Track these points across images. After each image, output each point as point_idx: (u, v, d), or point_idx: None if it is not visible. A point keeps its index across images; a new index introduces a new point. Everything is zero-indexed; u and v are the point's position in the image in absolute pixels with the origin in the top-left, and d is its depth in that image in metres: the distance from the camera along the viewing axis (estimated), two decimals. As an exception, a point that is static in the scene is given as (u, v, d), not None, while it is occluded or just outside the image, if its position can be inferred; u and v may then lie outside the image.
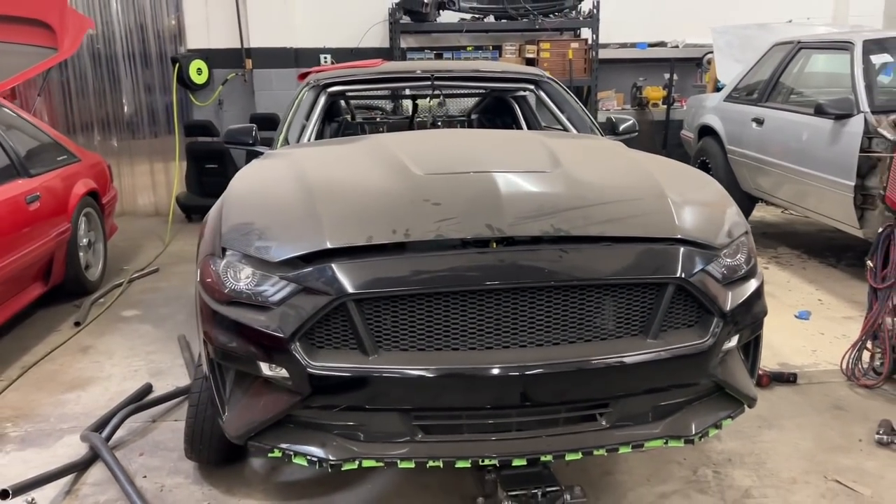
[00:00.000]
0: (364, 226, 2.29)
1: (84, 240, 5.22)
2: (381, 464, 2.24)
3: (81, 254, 5.13)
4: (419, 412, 2.24)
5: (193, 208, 7.78)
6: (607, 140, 3.63)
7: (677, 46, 8.27)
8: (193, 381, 2.86)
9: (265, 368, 2.27)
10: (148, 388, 3.71)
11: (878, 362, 3.66)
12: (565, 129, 4.05)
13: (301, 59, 8.04)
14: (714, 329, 2.30)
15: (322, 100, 4.04)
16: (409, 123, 5.22)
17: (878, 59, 4.71)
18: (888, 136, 4.29)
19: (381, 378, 2.15)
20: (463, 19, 7.77)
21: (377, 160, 2.84)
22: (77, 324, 4.67)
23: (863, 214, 4.54)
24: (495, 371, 2.14)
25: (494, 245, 2.24)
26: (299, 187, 2.59)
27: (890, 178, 3.65)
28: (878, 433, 3.16)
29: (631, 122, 4.05)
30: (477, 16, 7.74)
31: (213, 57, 7.92)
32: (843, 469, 2.95)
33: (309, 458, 2.25)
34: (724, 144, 6.08)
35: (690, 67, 8.37)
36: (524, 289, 2.19)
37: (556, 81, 4.30)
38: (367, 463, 2.23)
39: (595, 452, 2.27)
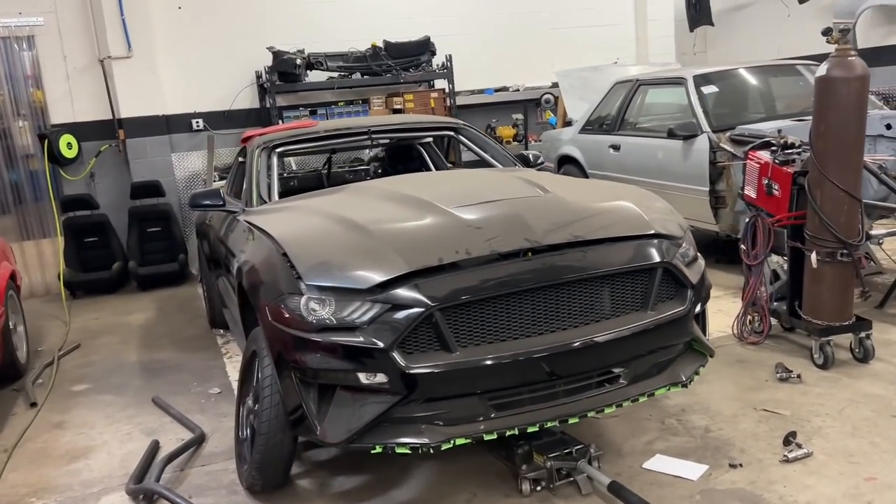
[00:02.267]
0: (428, 250, 2.84)
1: (10, 322, 5.15)
2: (469, 440, 2.76)
3: (14, 337, 5.07)
4: (491, 393, 2.80)
5: (77, 284, 7.62)
6: (543, 171, 4.39)
7: (518, 90, 9.37)
8: (255, 416, 3.14)
9: (363, 378, 2.73)
10: (156, 445, 3.89)
11: (757, 324, 4.67)
12: (491, 166, 4.76)
13: (173, 125, 8.21)
14: (690, 298, 3.08)
15: (274, 159, 4.46)
16: (328, 175, 5.75)
17: (706, 90, 5.91)
18: (729, 149, 5.44)
19: (467, 369, 2.69)
20: (331, 78, 8.34)
21: (398, 201, 3.38)
22: (33, 404, 4.65)
23: (717, 213, 5.67)
24: (549, 350, 2.76)
25: (530, 254, 2.87)
26: (349, 228, 3.07)
27: (744, 181, 4.72)
28: (777, 373, 4.11)
29: (540, 155, 4.88)
30: (344, 74, 8.35)
31: (80, 130, 7.87)
32: (764, 401, 3.84)
33: (410, 446, 2.72)
34: (584, 169, 7.12)
35: (531, 107, 9.51)
36: (561, 283, 2.84)
37: (471, 127, 5.03)
38: (459, 441, 2.74)
39: (623, 404, 2.95)
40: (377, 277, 2.75)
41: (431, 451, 2.74)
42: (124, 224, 7.97)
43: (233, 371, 4.97)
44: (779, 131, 5.24)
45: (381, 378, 2.72)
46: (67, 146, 7.75)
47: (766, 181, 4.46)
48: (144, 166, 8.04)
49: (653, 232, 3.09)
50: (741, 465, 3.24)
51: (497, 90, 9.33)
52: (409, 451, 2.74)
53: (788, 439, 3.34)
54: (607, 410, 2.94)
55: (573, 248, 2.92)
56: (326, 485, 3.40)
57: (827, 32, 4.04)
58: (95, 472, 3.72)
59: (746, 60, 6.84)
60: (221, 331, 5.87)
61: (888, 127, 5.41)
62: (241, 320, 3.72)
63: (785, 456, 3.25)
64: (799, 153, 4.38)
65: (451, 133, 4.97)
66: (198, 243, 5.97)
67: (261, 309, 3.02)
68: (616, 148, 6.62)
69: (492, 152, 4.82)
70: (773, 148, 4.52)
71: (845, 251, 4.06)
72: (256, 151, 4.45)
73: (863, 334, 4.21)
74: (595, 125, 7.12)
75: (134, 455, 3.83)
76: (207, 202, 4.25)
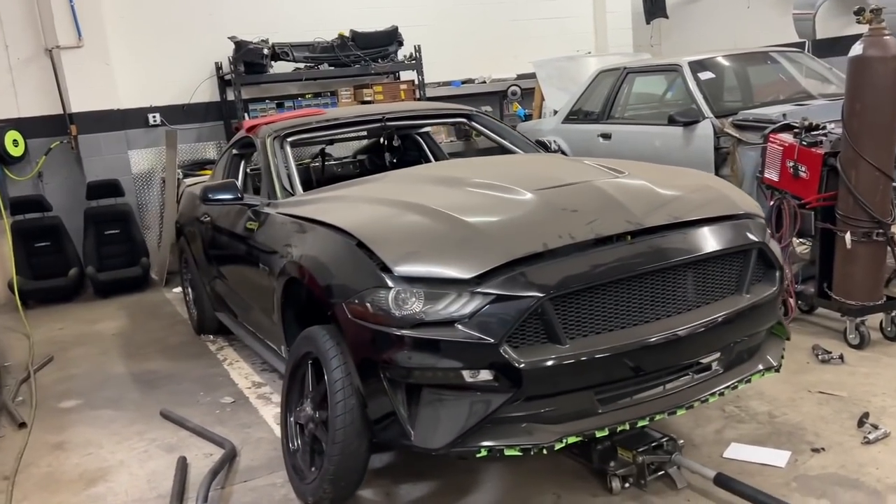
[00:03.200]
0: (528, 236, 2.63)
1: (-19, 336, 4.65)
2: (581, 438, 2.58)
3: (-12, 351, 4.58)
4: (598, 387, 2.62)
5: (29, 293, 7.01)
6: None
7: (485, 82, 9.23)
8: (332, 423, 2.83)
9: (467, 376, 2.50)
10: (184, 462, 3.54)
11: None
12: (511, 151, 4.57)
13: (128, 120, 7.69)
14: (779, 278, 2.98)
15: (288, 149, 4.15)
16: (322, 168, 5.46)
17: (703, 76, 5.90)
18: (734, 134, 5.43)
19: (580, 362, 2.50)
20: (298, 69, 7.98)
21: (471, 186, 3.15)
22: (22, 424, 4.18)
23: (721, 198, 5.66)
24: (661, 339, 2.60)
25: (629, 237, 2.71)
26: (429, 215, 2.82)
27: (764, 164, 4.71)
28: (817, 355, 4.09)
29: (553, 143, 4.74)
30: (310, 65, 8.00)
31: (26, 126, 7.27)
32: (815, 383, 3.81)
33: (521, 447, 2.51)
34: (570, 160, 7.03)
35: (498, 100, 9.39)
36: (666, 267, 2.68)
37: (484, 113, 4.84)
38: (571, 439, 2.55)
39: (725, 393, 2.83)
40: (480, 266, 2.52)
41: (545, 452, 2.54)
42: (78, 227, 7.39)
43: (239, 378, 4.63)
44: (784, 115, 5.29)
45: (485, 375, 2.50)
46: (13, 143, 7.13)
47: (792, 164, 4.44)
48: (98, 164, 7.48)
49: (744, 212, 2.98)
50: (823, 450, 3.17)
51: (464, 82, 9.16)
52: (519, 454, 2.53)
53: (862, 420, 3.30)
54: (711, 399, 2.81)
55: (673, 229, 2.77)
56: (392, 494, 3.16)
57: (859, 13, 4.04)
58: (122, 495, 3.34)
59: (710, 49, 6.87)
60: (211, 336, 5.48)
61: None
62: (281, 321, 3.42)
63: (866, 437, 3.20)
64: (825, 134, 4.38)
65: (464, 120, 4.76)
66: (182, 244, 5.56)
67: (334, 306, 2.74)
68: (606, 137, 6.54)
69: (510, 138, 4.64)
70: (796, 130, 4.51)
71: (880, 230, 4.08)
72: (268, 141, 4.13)
73: (894, 313, 4.24)
74: (580, 114, 7.03)
75: (160, 475, 3.48)
76: (223, 196, 3.91)
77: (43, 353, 5.50)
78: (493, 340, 2.44)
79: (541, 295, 2.47)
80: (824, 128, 4.44)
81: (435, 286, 2.55)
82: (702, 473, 2.88)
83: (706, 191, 3.10)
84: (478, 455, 2.54)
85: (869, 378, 3.81)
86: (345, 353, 2.81)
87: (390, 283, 2.58)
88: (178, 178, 7.36)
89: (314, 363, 3.10)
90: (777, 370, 2.99)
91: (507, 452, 2.53)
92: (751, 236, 2.90)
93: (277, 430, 3.83)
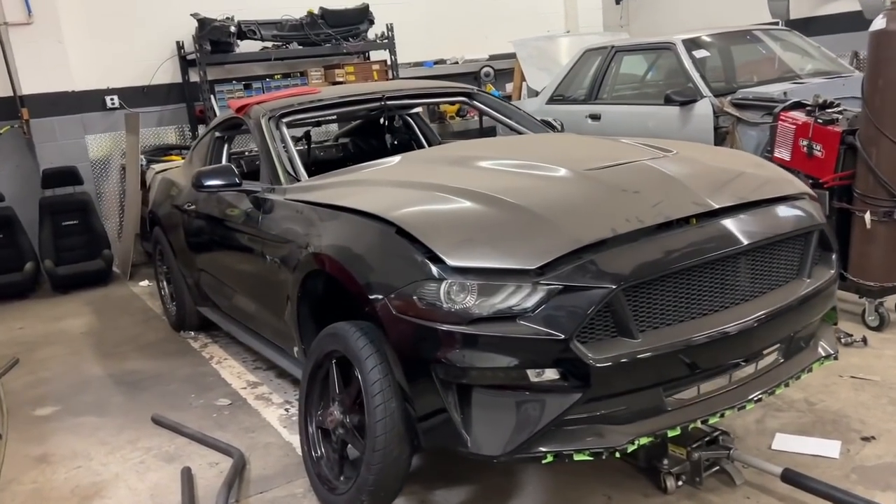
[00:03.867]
0: (594, 221, 2.41)
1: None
2: (651, 438, 2.38)
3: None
4: (667, 384, 2.42)
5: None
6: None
7: (457, 62, 8.96)
8: (369, 428, 2.56)
9: (532, 376, 2.28)
10: (189, 472, 3.23)
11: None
12: (517, 131, 4.34)
13: (85, 103, 7.19)
14: (835, 261, 2.83)
15: (285, 130, 3.84)
16: (308, 151, 5.14)
17: (698, 55, 5.76)
18: (734, 113, 5.30)
19: (655, 357, 2.30)
20: (265, 48, 7.58)
21: (511, 170, 2.90)
22: (-3, 436, 3.80)
23: (719, 179, 5.54)
24: (737, 328, 2.41)
25: (695, 220, 2.51)
26: (481, 201, 2.57)
27: (774, 143, 4.59)
28: (839, 339, 3.99)
29: (558, 122, 4.53)
30: (279, 44, 7.61)
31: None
32: (844, 368, 3.69)
33: (592, 451, 2.30)
34: (554, 141, 6.83)
35: (471, 81, 9.12)
36: (738, 252, 2.49)
37: (485, 91, 4.59)
38: (643, 440, 2.35)
39: (790, 383, 2.66)
40: (545, 254, 2.29)
41: (617, 455, 2.33)
42: (33, 218, 6.89)
43: (232, 378, 4.32)
44: (784, 93, 5.19)
45: (551, 374, 2.28)
46: (-41, 128, 6.59)
47: (806, 142, 4.32)
48: (53, 150, 6.99)
49: (802, 192, 2.81)
50: (874, 438, 3.06)
51: (436, 63, 8.87)
52: (589, 458, 2.32)
53: (907, 406, 3.20)
54: (777, 391, 2.64)
55: (739, 211, 2.59)
56: (428, 502, 2.92)
57: (883, -15, 3.92)
58: (124, 513, 3.03)
59: (694, 28, 6.76)
60: (192, 333, 5.13)
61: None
62: (296, 318, 3.14)
63: (915, 424, 3.10)
64: (841, 112, 4.28)
65: (465, 99, 4.50)
66: (156, 235, 5.18)
67: (373, 302, 2.48)
68: (596, 118, 6.37)
69: (517, 118, 4.40)
70: (809, 108, 4.40)
71: (901, 210, 3.99)
72: (263, 122, 3.81)
73: (879, 302, 4.16)
74: (565, 95, 6.84)
75: (163, 488, 3.17)
76: (220, 182, 3.59)
77: (5, 354, 5.07)
78: (563, 336, 2.22)
79: (614, 286, 2.25)
80: (839, 105, 4.33)
81: (491, 277, 2.31)
82: (767, 470, 2.72)
83: (762, 169, 2.93)
84: (543, 461, 2.32)
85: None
86: (382, 352, 2.56)
87: (442, 275, 2.33)
88: (142, 165, 6.91)
89: (339, 362, 2.85)
90: (835, 358, 2.85)
91: (577, 457, 2.31)
92: (815, 217, 2.74)
93: (285, 434, 3.56)
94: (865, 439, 3.05)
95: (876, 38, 3.90)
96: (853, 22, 7.57)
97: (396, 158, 3.49)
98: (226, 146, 4.60)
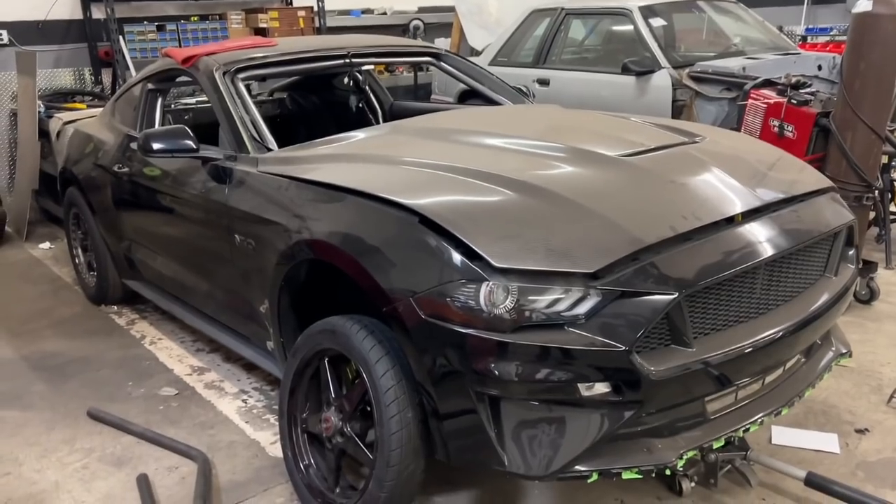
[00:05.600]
0: (650, 217, 2.19)
1: None
2: (697, 451, 2.22)
3: None
4: (710, 393, 2.26)
5: None
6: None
7: (385, 13, 8.49)
8: (385, 439, 2.26)
9: (583, 389, 2.06)
10: (146, 480, 2.84)
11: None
12: (491, 100, 4.05)
13: (-32, 37, 6.29)
14: (855, 257, 2.75)
15: (242, 87, 3.39)
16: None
17: (654, 22, 5.62)
18: (692, 86, 5.21)
19: (711, 366, 2.13)
20: (181, -14, 6.88)
21: (535, 152, 2.61)
22: None
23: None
24: (785, 331, 2.27)
25: (740, 217, 2.34)
26: (520, 191, 2.29)
27: (742, 121, 4.53)
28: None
29: (530, 92, 4.29)
30: (196, -18, 6.92)
31: None
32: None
33: (640, 469, 2.12)
34: (497, 105, 6.57)
35: (399, 33, 8.68)
36: (791, 252, 2.35)
37: (456, 54, 4.26)
38: (690, 454, 2.19)
39: (816, 384, 2.58)
40: (604, 256, 2.05)
41: (668, 472, 2.16)
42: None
43: (172, 362, 3.88)
44: (743, 69, 5.14)
45: (602, 387, 2.07)
46: None
47: (777, 123, 4.28)
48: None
49: (831, 185, 2.70)
50: (868, 430, 3.05)
51: (363, 12, 8.36)
52: (638, 476, 2.13)
53: (893, 397, 3.22)
54: (807, 394, 2.54)
55: (782, 207, 2.43)
56: (436, 513, 2.68)
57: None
58: (74, 534, 2.62)
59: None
60: (115, 307, 4.61)
61: (819, 68, 5.51)
62: (276, 311, 2.78)
63: (904, 415, 3.12)
64: (813, 94, 4.24)
65: (432, 59, 4.16)
66: (71, 196, 4.58)
67: (395, 301, 2.17)
68: (544, 83, 6.15)
69: (489, 83, 4.10)
70: (780, 87, 4.35)
71: (870, 195, 4.02)
72: (218, 77, 3.35)
73: (869, 276, 4.24)
74: (510, 57, 6.57)
75: (117, 499, 2.78)
76: (173, 147, 3.11)
77: None
78: (623, 347, 2.00)
79: (677, 292, 2.04)
80: (810, 85, 4.30)
81: (538, 280, 2.05)
82: (789, 474, 2.63)
83: (790, 162, 2.79)
84: (589, 480, 2.12)
85: (865, 346, 3.77)
86: (394, 354, 2.27)
87: (483, 276, 2.05)
88: (39, 112, 6.13)
89: (332, 361, 2.54)
90: (850, 355, 2.79)
91: (626, 476, 2.12)
92: (847, 213, 2.64)
93: (248, 430, 3.21)
94: (860, 431, 3.04)
95: (860, 20, 3.86)
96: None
97: (385, 128, 3.14)
98: (159, 100, 4.06)
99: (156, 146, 3.11)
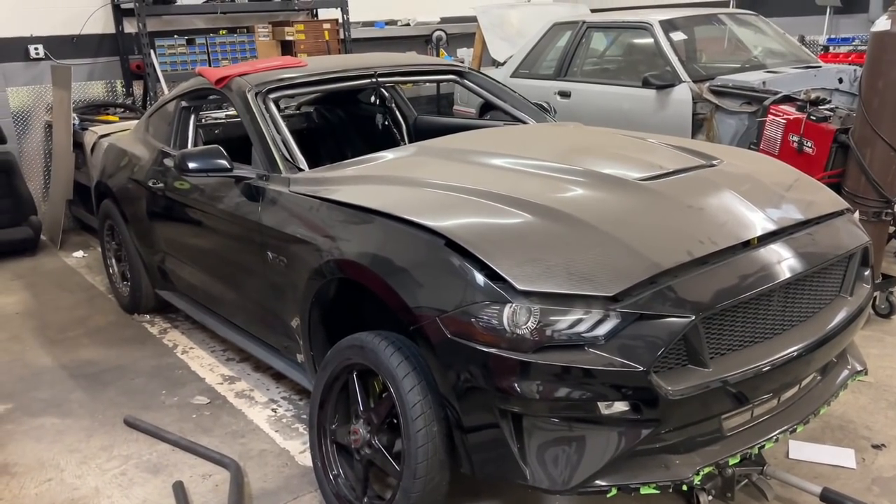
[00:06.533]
0: (667, 241, 2.27)
1: None
2: (712, 468, 2.30)
3: None
4: (726, 411, 2.34)
5: None
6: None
7: (409, 24, 8.61)
8: (412, 452, 2.38)
9: (603, 408, 2.14)
10: (181, 487, 2.96)
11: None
12: (512, 116, 4.15)
13: (4, 52, 6.49)
14: (870, 276, 2.81)
15: (273, 108, 3.52)
16: None
17: (675, 37, 5.68)
18: (713, 100, 5.27)
19: (728, 386, 2.20)
20: (208, 1, 7.03)
21: (557, 176, 2.70)
22: (-58, 442, 3.39)
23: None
24: (800, 351, 2.35)
25: (755, 240, 2.41)
26: (541, 216, 2.38)
27: (761, 136, 4.58)
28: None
29: (552, 107, 4.38)
30: (224, -3, 7.07)
31: None
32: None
33: (660, 484, 2.20)
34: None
35: (421, 45, 8.80)
36: (807, 274, 2.42)
37: (478, 71, 4.36)
38: (706, 470, 2.27)
39: (831, 401, 2.64)
40: (624, 280, 2.14)
41: (684, 488, 2.24)
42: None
43: (204, 371, 4.01)
44: (763, 83, 5.19)
45: (621, 406, 2.15)
46: None
47: (797, 138, 4.33)
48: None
49: (847, 207, 2.76)
50: (885, 446, 3.10)
51: (387, 23, 8.49)
52: (656, 491, 2.22)
53: (910, 412, 3.27)
54: (822, 411, 2.61)
55: (799, 230, 2.51)
56: (453, 521, 2.77)
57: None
58: (115, 538, 2.75)
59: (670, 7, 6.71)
60: (147, 317, 4.76)
61: (840, 81, 5.54)
62: (307, 325, 2.89)
63: (922, 431, 3.17)
64: (832, 110, 4.29)
65: (456, 77, 4.26)
66: (107, 209, 4.74)
67: (421, 320, 2.27)
68: (565, 95, 6.23)
69: (511, 101, 4.20)
70: (799, 103, 4.40)
71: (889, 210, 4.06)
72: (251, 97, 3.48)
73: (889, 290, 4.28)
74: (531, 69, 6.66)
75: (151, 506, 2.90)
76: (208, 166, 3.24)
77: (-70, 338, 4.57)
78: (642, 368, 2.09)
79: (694, 315, 2.13)
80: (829, 101, 4.35)
81: (559, 302, 2.14)
82: (805, 489, 2.70)
83: (807, 183, 2.86)
84: (608, 495, 2.21)
85: (883, 360, 3.81)
86: (420, 370, 2.37)
87: (506, 298, 2.15)
88: (74, 125, 6.31)
89: (360, 375, 2.65)
90: (866, 373, 2.85)
91: (644, 490, 2.21)
92: (863, 234, 2.70)
93: (279, 439, 3.32)
94: (877, 447, 3.10)
95: (879, 39, 3.90)
96: (801, 5, 7.72)
97: (411, 149, 3.25)
98: (192, 118, 4.21)
99: (192, 165, 3.23)
